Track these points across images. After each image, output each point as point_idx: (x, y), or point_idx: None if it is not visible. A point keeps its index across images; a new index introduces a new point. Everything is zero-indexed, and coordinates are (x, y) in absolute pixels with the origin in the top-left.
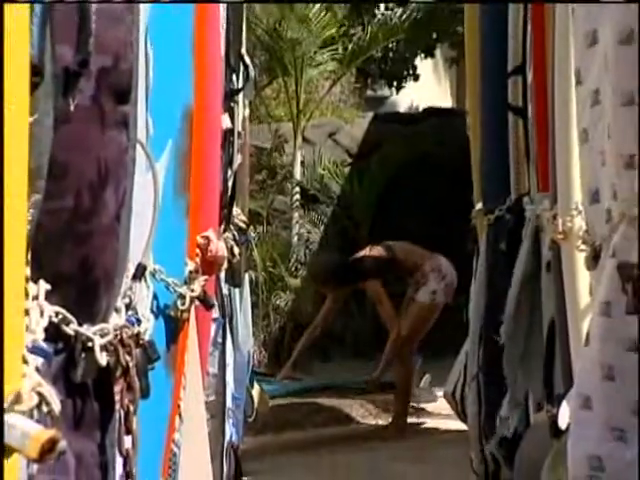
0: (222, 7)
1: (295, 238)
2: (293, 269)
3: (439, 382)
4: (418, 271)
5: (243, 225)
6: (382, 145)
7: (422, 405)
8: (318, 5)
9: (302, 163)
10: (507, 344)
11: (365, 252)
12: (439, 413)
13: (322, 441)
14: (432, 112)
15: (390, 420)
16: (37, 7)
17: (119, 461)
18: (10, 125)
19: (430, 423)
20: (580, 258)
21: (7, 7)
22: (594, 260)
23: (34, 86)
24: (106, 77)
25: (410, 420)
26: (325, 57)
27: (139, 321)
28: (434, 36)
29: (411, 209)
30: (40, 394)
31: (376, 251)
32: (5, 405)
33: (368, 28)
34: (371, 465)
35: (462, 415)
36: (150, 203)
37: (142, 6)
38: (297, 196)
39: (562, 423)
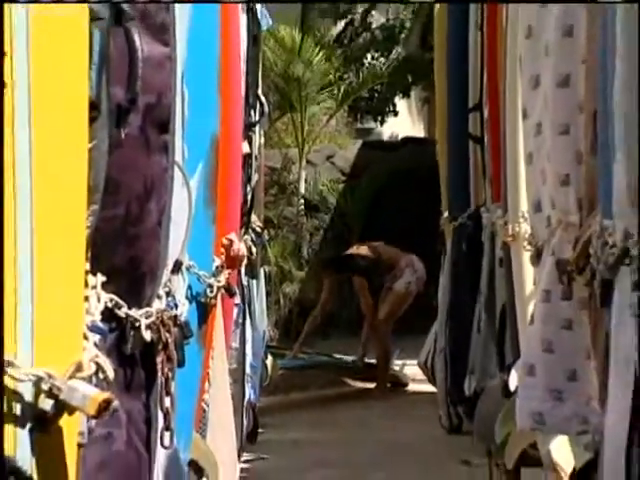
0: (243, 56)
1: (300, 240)
2: (299, 264)
3: (414, 353)
4: (396, 266)
5: (259, 229)
6: (369, 166)
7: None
8: (320, 54)
9: (305, 180)
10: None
11: (353, 250)
12: (414, 379)
13: (321, 400)
14: (408, 141)
15: (375, 385)
16: (95, 56)
17: (160, 417)
18: (72, 150)
19: (417, 388)
20: (526, 256)
21: (69, 53)
22: (537, 258)
23: (93, 119)
24: (150, 112)
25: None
26: (324, 97)
27: (176, 306)
28: (410, 80)
29: (393, 217)
30: (97, 364)
31: (363, 250)
32: (68, 373)
33: (358, 74)
34: (361, 420)
35: (432, 380)
36: (185, 212)
37: (179, 55)
38: (302, 207)
39: (511, 386)
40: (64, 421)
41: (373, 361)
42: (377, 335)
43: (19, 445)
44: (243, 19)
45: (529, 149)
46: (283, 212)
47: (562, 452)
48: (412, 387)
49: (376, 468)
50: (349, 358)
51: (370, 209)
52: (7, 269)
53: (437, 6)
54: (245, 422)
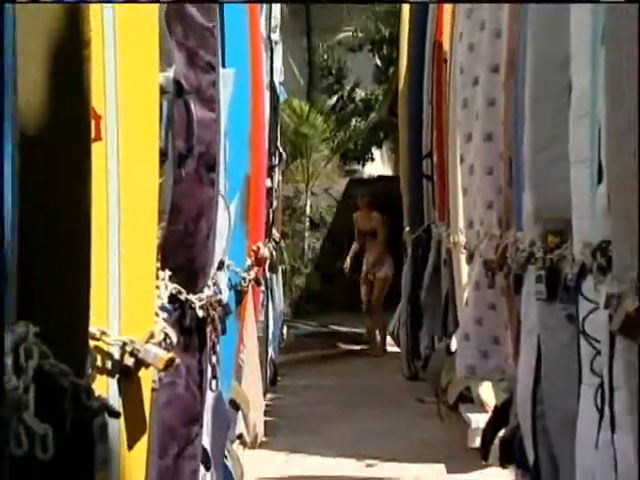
0: (267, 119)
1: (306, 247)
2: (305, 264)
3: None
4: (379, 259)
5: (277, 239)
6: (354, 196)
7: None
8: (320, 118)
9: (310, 206)
10: (424, 304)
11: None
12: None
13: (321, 357)
14: (381, 178)
15: (369, 347)
16: (164, 118)
17: (209, 369)
18: (148, 183)
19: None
20: (462, 258)
21: (145, 117)
22: (470, 259)
23: (162, 162)
24: (202, 158)
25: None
26: (323, 148)
27: (220, 292)
28: (382, 136)
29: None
30: (165, 333)
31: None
32: (144, 339)
33: (346, 132)
34: (348, 371)
35: (397, 344)
36: (226, 228)
37: (222, 118)
38: (307, 224)
39: (452, 348)
40: (142, 373)
41: (361, 331)
42: (374, 314)
43: (110, 390)
44: (267, 94)
45: (464, 184)
46: (294, 227)
47: (487, 393)
48: (390, 348)
49: (359, 404)
50: (341, 329)
51: (353, 225)
52: (101, 269)
53: (401, 85)
54: (268, 372)
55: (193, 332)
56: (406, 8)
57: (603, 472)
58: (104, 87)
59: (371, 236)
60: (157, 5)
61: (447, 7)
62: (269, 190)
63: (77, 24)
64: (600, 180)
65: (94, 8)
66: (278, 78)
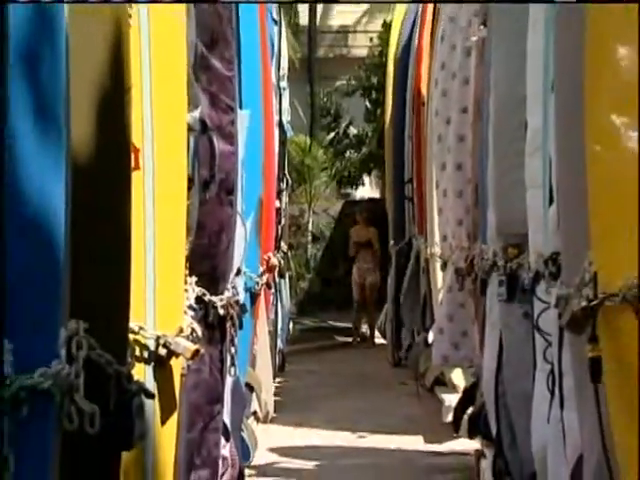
0: (276, 152)
1: (309, 257)
2: (308, 270)
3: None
4: (371, 268)
5: (285, 250)
6: (349, 214)
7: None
8: (320, 151)
9: (312, 223)
10: (404, 304)
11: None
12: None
13: (321, 348)
14: (371, 200)
15: (359, 340)
16: (191, 151)
17: (229, 358)
18: (177, 205)
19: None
20: (438, 266)
21: (175, 150)
22: (444, 267)
23: (189, 187)
24: (222, 183)
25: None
26: (323, 175)
27: (238, 294)
28: (371, 166)
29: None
30: (192, 328)
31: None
32: (175, 333)
33: (342, 163)
34: (343, 359)
35: (384, 337)
36: (243, 240)
37: (240, 151)
38: (310, 238)
39: (429, 340)
40: (173, 361)
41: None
42: (366, 313)
43: (146, 376)
44: (276, 131)
45: (439, 205)
46: (299, 240)
47: (458, 377)
48: (378, 341)
49: (352, 386)
50: (339, 324)
51: (347, 240)
52: (139, 275)
53: (386, 124)
54: (277, 360)
55: (215, 327)
56: (391, 61)
57: (554, 442)
58: (142, 125)
59: (365, 247)
60: (186, 57)
61: (425, 60)
62: (278, 210)
63: (120, 74)
64: (551, 202)
65: (135, 61)
66: (285, 117)
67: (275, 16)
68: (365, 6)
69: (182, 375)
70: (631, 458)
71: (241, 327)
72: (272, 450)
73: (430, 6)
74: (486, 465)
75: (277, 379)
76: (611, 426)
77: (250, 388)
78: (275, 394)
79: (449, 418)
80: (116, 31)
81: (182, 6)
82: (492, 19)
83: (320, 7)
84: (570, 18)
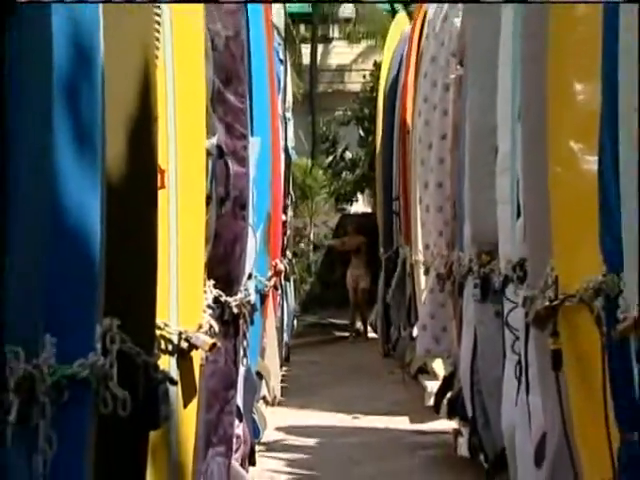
0: (282, 174)
1: (310, 262)
2: (309, 275)
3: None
4: (362, 274)
5: (290, 257)
6: (344, 226)
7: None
8: (320, 172)
9: (313, 234)
10: (392, 304)
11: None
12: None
13: (321, 342)
14: (364, 214)
15: (354, 334)
16: (209, 173)
17: (241, 350)
18: (197, 218)
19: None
20: (421, 271)
21: (195, 171)
22: (426, 272)
23: (207, 203)
24: (236, 200)
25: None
26: (322, 193)
27: (250, 295)
28: (364, 185)
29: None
30: (210, 324)
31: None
32: (195, 329)
33: (339, 182)
34: (340, 351)
35: (375, 331)
36: (254, 249)
37: (251, 172)
38: (311, 246)
39: (414, 335)
40: (193, 353)
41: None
42: (361, 311)
43: (171, 365)
44: (282, 155)
45: (422, 219)
46: (302, 249)
47: (439, 367)
48: (371, 335)
49: (348, 374)
50: (336, 321)
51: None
52: (164, 279)
53: (377, 149)
54: (284, 352)
55: (230, 324)
56: (381, 95)
57: (521, 422)
58: (167, 150)
59: (356, 252)
60: (205, 91)
61: (410, 94)
62: (284, 222)
63: (148, 106)
64: (518, 216)
65: (160, 94)
66: (290, 144)
67: (281, 56)
68: (360, 48)
69: (201, 365)
70: (587, 435)
71: (252, 323)
72: (279, 429)
73: (414, 48)
74: (463, 442)
75: (283, 368)
76: (570, 408)
77: (260, 376)
78: (281, 381)
79: (431, 402)
80: (145, 69)
81: (202, 46)
82: (468, 60)
83: (320, 48)
84: (534, 57)
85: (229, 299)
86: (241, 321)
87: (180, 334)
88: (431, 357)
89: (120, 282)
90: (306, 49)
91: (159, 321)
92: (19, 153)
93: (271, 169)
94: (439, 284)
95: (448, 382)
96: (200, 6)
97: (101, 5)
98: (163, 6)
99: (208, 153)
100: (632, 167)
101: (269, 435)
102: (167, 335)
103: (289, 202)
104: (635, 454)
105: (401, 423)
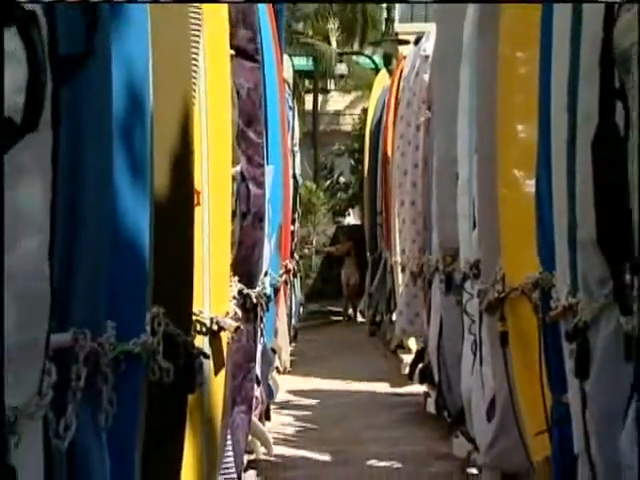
0: (291, 193)
1: (313, 264)
2: (313, 272)
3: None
4: (352, 272)
5: (297, 259)
6: (339, 235)
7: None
8: (322, 194)
9: (315, 241)
10: (376, 295)
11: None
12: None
13: (321, 324)
14: (354, 225)
15: (347, 319)
16: (235, 193)
17: (259, 331)
18: (225, 229)
19: (359, 320)
20: (399, 270)
21: (223, 190)
22: (403, 270)
23: (233, 217)
24: (255, 215)
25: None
26: (322, 208)
27: (266, 288)
28: (354, 202)
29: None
30: (235, 311)
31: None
32: (223, 315)
33: (335, 200)
34: (336, 332)
35: (363, 316)
36: (269, 253)
37: (267, 193)
38: (313, 250)
39: (393, 319)
40: (222, 334)
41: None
42: (352, 301)
43: (204, 343)
44: (291, 180)
45: (400, 229)
46: (306, 253)
47: (413, 343)
48: (359, 320)
49: (342, 350)
50: (333, 308)
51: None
52: (199, 276)
53: (365, 175)
54: (291, 332)
55: (250, 311)
56: (367, 133)
57: (475, 387)
58: (201, 175)
59: (347, 255)
60: (231, 131)
61: (390, 133)
62: (292, 232)
63: (187, 141)
64: (474, 227)
65: (197, 132)
66: (297, 171)
67: (290, 104)
68: (351, 97)
69: (228, 343)
70: (527, 397)
71: (267, 310)
72: (288, 392)
73: (393, 97)
74: (431, 402)
75: (292, 345)
76: (514, 376)
77: (273, 351)
78: (290, 355)
79: (406, 371)
80: (185, 113)
81: (229, 96)
82: (434, 106)
83: (320, 97)
84: (486, 106)
85: (250, 291)
86: (259, 309)
87: (212, 319)
88: (406, 336)
89: (165, 278)
90: (309, 98)
91: (195, 309)
92: (87, 182)
93: (282, 190)
94: (413, 280)
95: (420, 355)
96: (228, 64)
97: (151, 59)
98: (200, 62)
99: (233, 178)
100: (561, 190)
101: (281, 397)
102: (201, 320)
103: (296, 216)
104: (562, 411)
105: (383, 387)
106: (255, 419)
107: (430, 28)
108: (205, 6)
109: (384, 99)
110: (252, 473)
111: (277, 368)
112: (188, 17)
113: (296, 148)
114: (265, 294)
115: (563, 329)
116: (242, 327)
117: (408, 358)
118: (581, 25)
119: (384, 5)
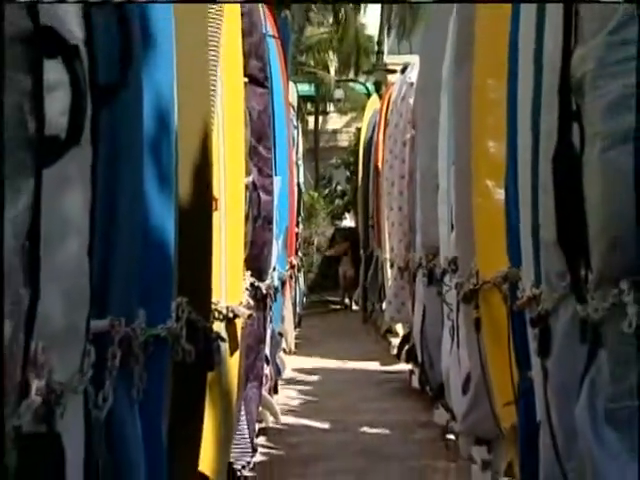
0: (296, 201)
1: (314, 260)
2: (314, 268)
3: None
4: (349, 268)
5: (301, 256)
6: (337, 237)
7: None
8: (322, 201)
9: (316, 240)
10: (369, 287)
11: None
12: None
13: (322, 312)
14: (350, 228)
15: (343, 308)
16: (247, 199)
17: (268, 318)
18: (239, 231)
19: (354, 309)
20: (388, 266)
21: (238, 200)
22: (392, 266)
23: (246, 220)
24: (265, 218)
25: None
26: (322, 213)
27: (274, 281)
28: (350, 208)
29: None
30: (247, 301)
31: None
32: (237, 304)
33: (333, 206)
34: (334, 319)
35: (357, 305)
36: (277, 251)
37: (275, 200)
38: (315, 249)
39: (383, 307)
40: (237, 320)
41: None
42: (348, 292)
43: (221, 328)
44: (296, 188)
45: (389, 231)
46: (309, 251)
47: (400, 328)
48: (354, 308)
49: (339, 334)
50: (331, 298)
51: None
52: (217, 271)
53: (359, 184)
54: (296, 319)
55: (260, 301)
56: (361, 149)
57: (453, 366)
58: (219, 185)
59: (344, 254)
60: (244, 147)
61: (380, 148)
62: (297, 234)
63: (206, 156)
64: (452, 230)
65: (215, 148)
66: (301, 180)
67: (295, 123)
68: (347, 118)
69: (242, 328)
70: (497, 374)
71: (275, 300)
72: (294, 370)
73: (383, 118)
74: (415, 378)
75: (296, 330)
76: (486, 356)
77: (280, 335)
78: (295, 338)
79: (394, 352)
80: (205, 132)
81: (242, 117)
82: (418, 126)
83: (320, 118)
84: (462, 126)
85: (260, 284)
86: (268, 299)
87: (227, 308)
88: (394, 322)
89: (187, 273)
90: (311, 118)
91: (214, 299)
92: (122, 191)
93: (288, 198)
94: (400, 274)
95: (406, 339)
96: (242, 90)
97: (176, 85)
98: (218, 88)
99: (246, 187)
100: (527, 198)
101: (287, 374)
102: (219, 308)
103: (300, 219)
104: (527, 385)
105: (374, 366)
106: (265, 393)
107: (414, 60)
108: (224, 40)
109: (375, 120)
110: (262, 439)
111: (284, 349)
112: (209, 49)
113: (300, 161)
114: (273, 286)
115: (528, 316)
116: (254, 314)
117: (396, 341)
118: (542, 56)
119: (375, 39)
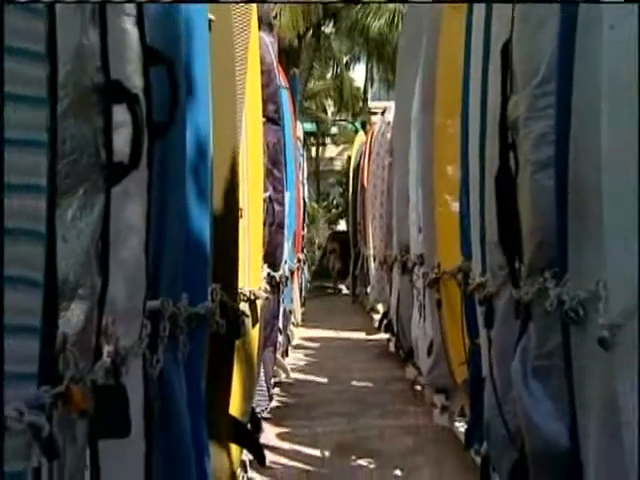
0: (301, 214)
1: (316, 255)
2: (315, 264)
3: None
4: (339, 262)
5: (305, 252)
6: (333, 239)
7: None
8: (321, 209)
9: (317, 241)
10: (357, 276)
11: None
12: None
13: (322, 295)
14: (343, 231)
15: (337, 292)
16: (265, 209)
17: (281, 299)
18: (258, 233)
19: (345, 292)
20: (372, 260)
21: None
22: (374, 260)
23: (264, 225)
24: (279, 224)
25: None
26: (322, 220)
27: (285, 272)
28: (343, 216)
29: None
30: (265, 287)
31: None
32: (257, 288)
33: (331, 214)
34: (333, 303)
35: (347, 289)
36: (287, 249)
37: (286, 209)
38: (316, 247)
39: (368, 291)
40: (257, 301)
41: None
42: (339, 281)
43: (245, 307)
44: (302, 202)
45: (372, 233)
46: (311, 249)
47: (381, 307)
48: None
49: (335, 312)
50: (328, 284)
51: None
52: (242, 264)
53: (349, 198)
54: (302, 300)
55: (275, 286)
56: (351, 171)
57: (420, 335)
58: (244, 198)
59: (333, 252)
60: (262, 170)
61: (365, 171)
62: (302, 235)
63: (234, 172)
64: (420, 232)
65: (241, 170)
66: (306, 195)
67: (301, 152)
68: (340, 148)
69: (261, 307)
70: (453, 341)
71: (286, 286)
72: (301, 338)
73: (367, 148)
74: (392, 345)
75: (302, 308)
76: (444, 327)
77: (290, 312)
78: (301, 314)
79: (376, 325)
80: (233, 158)
81: (261, 148)
82: (394, 155)
83: (320, 148)
84: (426, 155)
85: (275, 274)
86: (281, 285)
87: (250, 291)
88: (376, 303)
89: (220, 265)
90: (313, 148)
91: (240, 285)
92: (170, 203)
93: (296, 208)
94: (380, 266)
95: (385, 315)
96: (261, 127)
97: (212, 124)
98: (243, 126)
99: (264, 200)
100: (476, 208)
101: (296, 341)
102: (243, 292)
103: (305, 224)
104: (476, 350)
105: (361, 335)
106: (279, 356)
107: (391, 105)
108: (248, 90)
109: (362, 150)
110: (277, 390)
111: (293, 323)
112: (236, 97)
113: (305, 181)
114: (285, 275)
115: (477, 297)
116: (270, 297)
117: (377, 317)
118: (487, 102)
119: (361, 90)
